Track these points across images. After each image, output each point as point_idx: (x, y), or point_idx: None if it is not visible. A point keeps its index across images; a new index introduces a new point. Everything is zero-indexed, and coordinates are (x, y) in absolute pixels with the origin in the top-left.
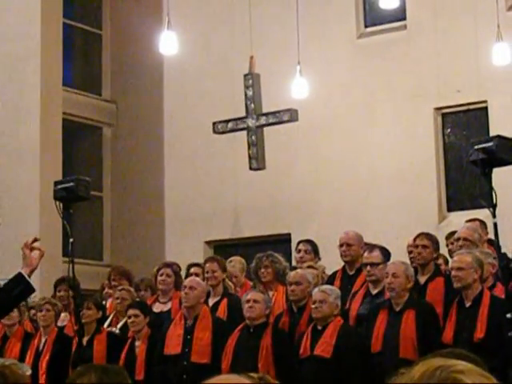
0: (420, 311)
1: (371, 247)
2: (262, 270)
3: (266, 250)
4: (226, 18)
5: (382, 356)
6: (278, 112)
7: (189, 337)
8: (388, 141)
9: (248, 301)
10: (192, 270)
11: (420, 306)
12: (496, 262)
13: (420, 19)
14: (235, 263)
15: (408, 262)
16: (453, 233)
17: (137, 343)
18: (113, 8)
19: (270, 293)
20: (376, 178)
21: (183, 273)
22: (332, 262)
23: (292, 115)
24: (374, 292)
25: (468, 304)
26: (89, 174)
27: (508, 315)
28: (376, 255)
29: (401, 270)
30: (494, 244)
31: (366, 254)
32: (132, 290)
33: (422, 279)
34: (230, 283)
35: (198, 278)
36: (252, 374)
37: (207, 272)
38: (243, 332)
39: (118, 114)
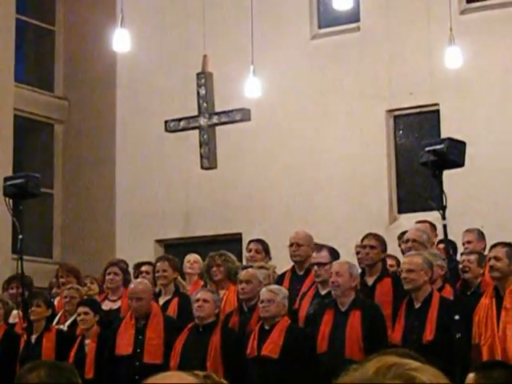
0: (366, 312)
1: (319, 247)
2: (214, 269)
3: (217, 250)
4: (179, 16)
5: (327, 356)
6: (231, 111)
7: (140, 337)
8: (340, 142)
9: (197, 300)
10: (143, 268)
11: (366, 306)
12: (445, 264)
13: (373, 21)
14: (196, 258)
15: (355, 262)
16: (404, 232)
17: (86, 341)
18: (66, 4)
19: (222, 292)
20: (327, 178)
21: (131, 271)
22: (283, 261)
23: (244, 115)
24: (323, 292)
25: (417, 305)
26: (40, 170)
27: (456, 317)
28: (324, 255)
29: (344, 268)
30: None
31: (314, 254)
32: (81, 288)
33: (370, 280)
34: (182, 282)
35: (145, 281)
36: (198, 372)
37: (158, 271)
38: (192, 331)
39: (70, 111)
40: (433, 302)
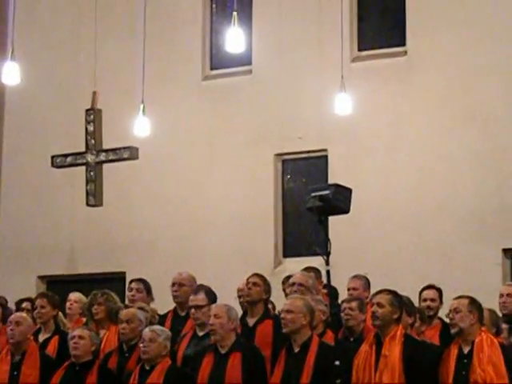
0: (246, 354)
1: (196, 289)
2: (96, 307)
3: (101, 288)
4: (71, 51)
5: None
6: (119, 149)
7: (15, 373)
8: (228, 184)
9: (73, 337)
10: (24, 305)
11: (246, 349)
12: (327, 309)
13: (265, 65)
14: (78, 297)
15: (238, 306)
16: (289, 277)
17: None
18: None
19: (102, 332)
20: (214, 220)
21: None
22: (167, 302)
23: (132, 153)
24: (201, 334)
25: (296, 349)
26: None
27: (336, 362)
28: (201, 298)
29: (223, 310)
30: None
31: (191, 297)
32: None
33: (251, 321)
34: (63, 319)
35: (24, 314)
36: None
37: (36, 308)
38: (69, 369)
39: None
40: (311, 346)
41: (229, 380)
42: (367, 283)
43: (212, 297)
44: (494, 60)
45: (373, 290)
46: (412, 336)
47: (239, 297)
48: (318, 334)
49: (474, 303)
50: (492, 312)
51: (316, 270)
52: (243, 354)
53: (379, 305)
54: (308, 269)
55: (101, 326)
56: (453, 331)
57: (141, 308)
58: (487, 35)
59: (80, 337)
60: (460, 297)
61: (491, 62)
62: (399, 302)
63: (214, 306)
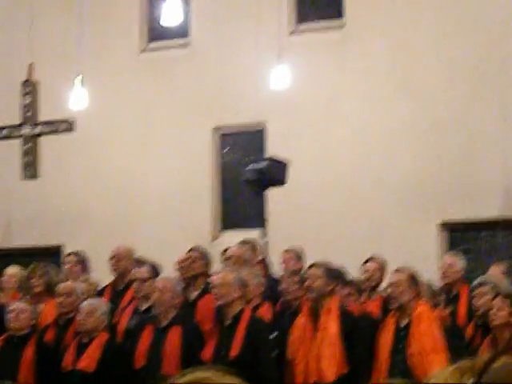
0: (186, 328)
1: (140, 263)
2: (34, 280)
3: (37, 261)
4: (6, 22)
5: (144, 372)
6: (55, 122)
7: None
8: (166, 157)
9: (13, 310)
10: None
11: (186, 323)
12: (264, 282)
13: (203, 38)
14: (15, 271)
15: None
16: (228, 249)
17: None
18: None
19: (41, 305)
20: (151, 193)
21: None
22: (104, 275)
23: (68, 126)
24: (143, 308)
25: (228, 322)
26: None
27: (273, 335)
28: (144, 271)
29: (169, 285)
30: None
31: (134, 269)
32: None
33: (192, 295)
34: None
35: None
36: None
37: None
38: (6, 342)
39: None
40: (242, 319)
41: (167, 352)
42: (299, 255)
43: (156, 270)
44: (432, 34)
45: (309, 263)
46: (347, 309)
47: (178, 269)
48: (254, 307)
49: (413, 277)
50: (429, 284)
51: (253, 243)
52: (183, 329)
53: (313, 278)
54: (245, 241)
55: (39, 300)
56: (392, 306)
57: (85, 280)
58: (426, 8)
59: (20, 310)
60: (399, 270)
61: (430, 35)
62: (332, 273)
63: (160, 279)
